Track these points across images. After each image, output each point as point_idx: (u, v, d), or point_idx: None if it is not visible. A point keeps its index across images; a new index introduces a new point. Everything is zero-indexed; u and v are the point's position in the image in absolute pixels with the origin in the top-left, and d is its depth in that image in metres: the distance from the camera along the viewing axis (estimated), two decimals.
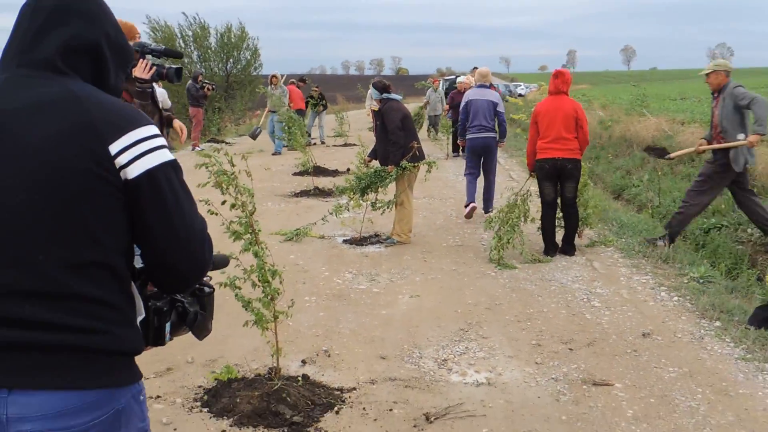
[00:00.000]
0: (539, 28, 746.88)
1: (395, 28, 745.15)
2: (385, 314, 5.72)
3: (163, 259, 1.74)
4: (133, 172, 1.64)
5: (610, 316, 5.65)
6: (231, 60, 29.03)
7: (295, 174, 13.70)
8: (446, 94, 21.45)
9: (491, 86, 9.93)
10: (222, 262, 2.09)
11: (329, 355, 4.87)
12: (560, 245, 7.58)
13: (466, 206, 9.39)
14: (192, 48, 28.74)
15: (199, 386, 4.37)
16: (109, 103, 1.70)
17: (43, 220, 1.59)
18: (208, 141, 21.88)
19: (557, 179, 7.40)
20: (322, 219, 8.18)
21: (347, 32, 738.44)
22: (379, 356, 4.86)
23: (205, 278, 1.95)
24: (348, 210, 8.11)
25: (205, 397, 4.19)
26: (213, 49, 28.70)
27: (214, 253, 1.90)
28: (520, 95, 58.61)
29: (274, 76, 18.08)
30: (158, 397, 4.23)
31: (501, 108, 9.54)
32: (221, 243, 3.80)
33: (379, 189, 8.01)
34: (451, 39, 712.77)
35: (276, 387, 4.11)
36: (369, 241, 8.13)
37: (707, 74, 7.51)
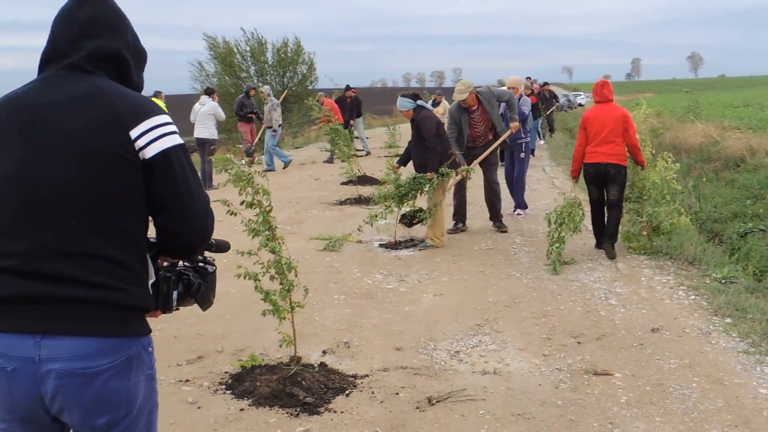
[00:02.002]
0: (603, 37, 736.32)
1: (456, 39, 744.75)
2: (407, 311, 6.03)
3: (173, 225, 2.07)
4: (149, 152, 1.99)
5: (624, 313, 5.85)
6: (287, 74, 29.79)
7: (342, 183, 14.12)
8: None
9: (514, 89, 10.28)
10: (224, 246, 2.44)
11: (349, 347, 5.22)
12: (601, 242, 7.92)
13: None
14: (249, 63, 29.63)
15: (226, 372, 4.76)
16: (129, 95, 2.07)
17: (75, 192, 1.93)
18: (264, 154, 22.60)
19: (602, 183, 7.77)
20: (358, 229, 8.49)
21: (408, 44, 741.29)
22: (395, 348, 5.18)
23: (209, 258, 2.33)
24: (384, 218, 8.41)
25: (230, 381, 4.58)
26: (270, 63, 29.49)
27: (219, 239, 2.33)
28: (580, 105, 58.09)
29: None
30: (187, 380, 4.64)
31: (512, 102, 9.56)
32: (242, 240, 4.16)
33: (418, 196, 8.33)
34: (512, 49, 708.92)
35: (293, 372, 4.47)
36: (404, 245, 8.45)
37: None
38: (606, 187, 7.77)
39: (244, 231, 4.46)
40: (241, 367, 4.75)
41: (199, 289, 2.25)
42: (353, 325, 5.70)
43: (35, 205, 1.94)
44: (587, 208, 8.12)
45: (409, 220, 8.45)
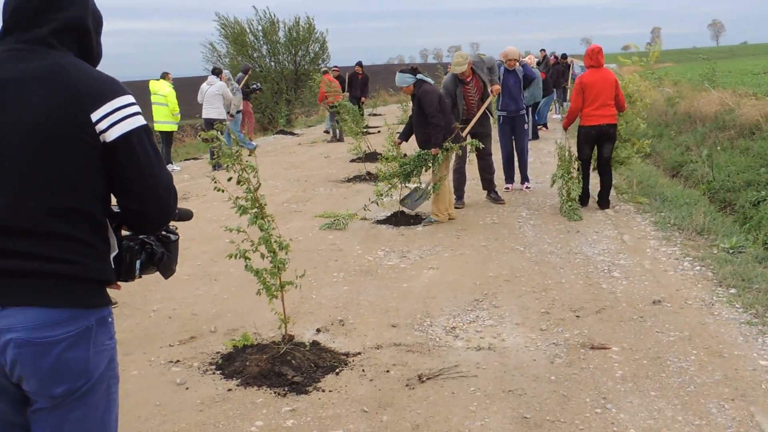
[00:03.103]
0: (622, 6, 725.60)
1: (473, 13, 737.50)
2: (406, 287, 5.95)
3: (137, 204, 2.09)
4: (111, 135, 1.99)
5: (626, 285, 5.73)
6: (299, 53, 29.60)
7: (352, 161, 14.02)
8: None
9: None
10: (186, 215, 2.49)
11: (343, 324, 5.15)
12: (597, 200, 8.66)
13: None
14: (261, 42, 29.45)
15: (217, 352, 4.72)
16: (92, 75, 2.04)
17: (34, 173, 1.94)
18: (277, 132, 22.51)
19: (597, 142, 8.47)
20: (364, 208, 8.37)
21: (425, 20, 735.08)
22: (390, 325, 5.11)
23: (171, 228, 2.35)
24: (390, 195, 8.30)
25: (220, 361, 4.53)
26: (282, 42, 29.31)
27: (182, 207, 2.38)
28: None
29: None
30: (177, 361, 4.60)
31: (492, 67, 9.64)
32: (231, 220, 4.12)
33: (423, 172, 8.21)
34: (530, 22, 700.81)
35: (283, 351, 4.41)
36: (408, 222, 8.35)
37: None
38: (601, 145, 8.46)
39: (232, 208, 4.39)
40: (233, 346, 4.70)
41: (162, 258, 2.28)
42: (350, 302, 5.63)
43: None
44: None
45: (411, 201, 8.34)
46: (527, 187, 10.15)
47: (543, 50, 22.26)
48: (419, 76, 8.26)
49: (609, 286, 5.71)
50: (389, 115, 25.84)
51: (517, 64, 10.14)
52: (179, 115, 14.40)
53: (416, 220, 8.40)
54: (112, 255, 2.13)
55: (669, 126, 16.81)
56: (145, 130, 2.08)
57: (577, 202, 8.35)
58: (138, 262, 2.21)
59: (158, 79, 14.31)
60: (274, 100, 27.52)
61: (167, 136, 14.43)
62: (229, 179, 4.34)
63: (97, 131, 1.98)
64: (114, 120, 1.99)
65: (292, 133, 22.31)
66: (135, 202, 2.09)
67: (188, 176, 13.53)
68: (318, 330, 5.06)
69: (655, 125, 17.82)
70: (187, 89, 20.69)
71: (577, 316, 5.10)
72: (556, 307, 5.32)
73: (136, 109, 2.06)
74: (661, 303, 5.27)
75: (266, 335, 4.96)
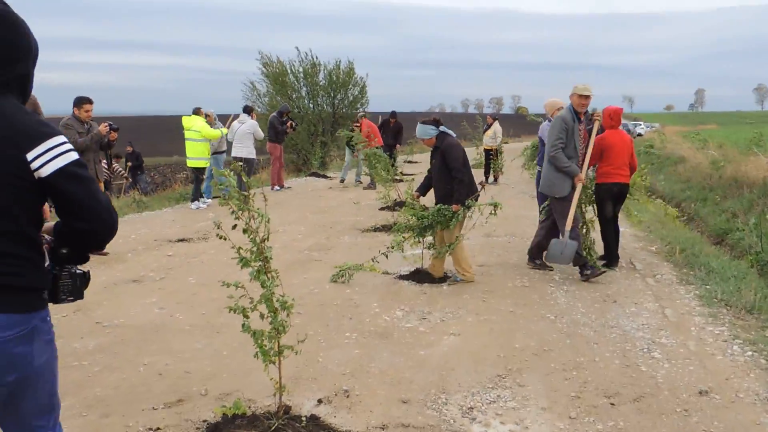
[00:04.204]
0: (665, 67, 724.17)
1: (516, 66, 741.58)
2: (422, 355, 5.42)
3: (84, 223, 2.43)
4: (46, 171, 2.34)
5: (668, 369, 5.13)
6: (338, 96, 29.48)
7: (381, 209, 13.59)
8: None
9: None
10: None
11: (348, 396, 4.62)
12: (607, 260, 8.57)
13: None
14: (302, 84, 29.41)
15: (204, 420, 4.22)
16: (28, 120, 2.37)
17: None
18: (309, 175, 22.24)
19: (618, 200, 8.55)
20: (372, 260, 7.86)
21: (467, 71, 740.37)
22: (400, 400, 4.57)
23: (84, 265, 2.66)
24: (412, 248, 7.81)
25: None
26: (321, 85, 29.23)
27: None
28: (639, 135, 56.79)
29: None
30: (157, 429, 4.10)
31: (541, 135, 9.61)
32: (231, 270, 3.70)
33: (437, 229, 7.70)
34: (572, 77, 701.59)
35: (274, 427, 3.91)
36: (433, 279, 7.83)
37: None
38: (616, 203, 8.58)
39: (233, 258, 3.94)
40: (222, 415, 4.20)
41: (77, 281, 2.62)
42: (359, 369, 5.11)
43: None
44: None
45: (557, 254, 7.77)
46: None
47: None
48: (441, 128, 7.82)
49: (649, 369, 5.11)
50: (425, 163, 25.54)
51: None
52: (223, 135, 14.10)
53: (442, 279, 7.88)
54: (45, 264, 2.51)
55: (713, 190, 16.13)
56: (78, 164, 2.42)
57: (593, 254, 8.48)
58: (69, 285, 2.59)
59: (190, 115, 14.03)
60: (309, 142, 27.31)
61: (200, 172, 14.09)
62: (234, 227, 3.89)
63: (32, 168, 2.32)
64: (47, 158, 2.34)
65: (325, 176, 22.01)
66: (81, 221, 2.42)
67: (213, 215, 13.15)
68: (319, 401, 4.53)
69: (699, 188, 17.17)
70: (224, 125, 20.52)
71: (612, 404, 4.51)
72: (588, 390, 4.74)
73: (67, 147, 2.40)
74: (709, 394, 4.66)
75: (261, 403, 4.46)
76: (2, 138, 2.29)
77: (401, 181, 15.44)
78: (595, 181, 8.66)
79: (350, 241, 10.39)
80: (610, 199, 8.48)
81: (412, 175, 20.19)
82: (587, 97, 7.97)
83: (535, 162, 17.22)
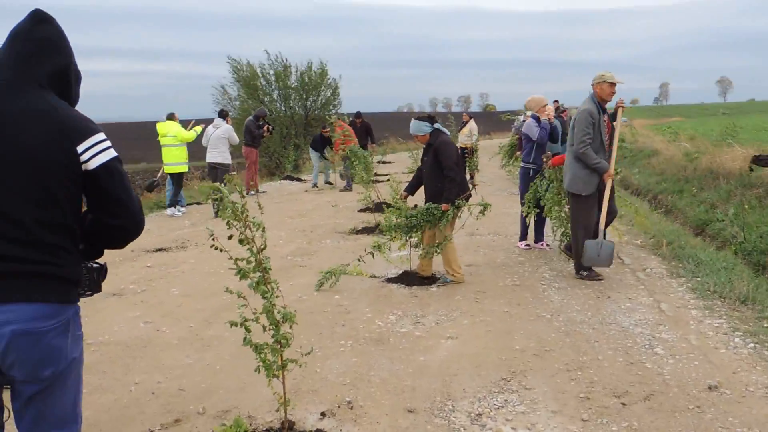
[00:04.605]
0: (630, 61, 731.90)
1: (483, 64, 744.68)
2: (422, 360, 5.27)
3: (116, 219, 2.54)
4: (93, 164, 2.46)
5: (673, 365, 5.04)
6: (311, 98, 29.23)
7: (360, 210, 13.43)
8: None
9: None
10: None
11: (352, 407, 4.46)
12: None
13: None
14: (273, 87, 29.10)
15: None
16: (75, 115, 2.51)
17: (29, 193, 2.37)
18: (284, 178, 21.98)
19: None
20: (358, 259, 7.72)
21: (435, 69, 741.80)
22: (406, 409, 4.41)
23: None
24: (399, 250, 7.67)
25: None
26: (293, 87, 28.96)
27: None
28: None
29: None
30: None
31: (527, 131, 9.52)
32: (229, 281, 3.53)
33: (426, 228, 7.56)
34: (539, 74, 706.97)
35: None
36: (422, 281, 7.69)
37: None
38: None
39: (231, 269, 3.75)
40: None
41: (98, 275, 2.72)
42: (359, 378, 4.95)
43: None
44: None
45: (594, 257, 7.43)
46: (547, 245, 9.50)
47: (556, 101, 21.88)
48: (436, 125, 7.68)
49: (654, 366, 5.02)
50: (398, 163, 25.44)
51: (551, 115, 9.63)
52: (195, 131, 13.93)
53: (430, 280, 7.74)
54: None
55: (689, 182, 16.19)
56: (119, 160, 2.55)
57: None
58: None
59: (164, 121, 13.83)
60: (282, 145, 27.03)
61: (178, 177, 13.91)
62: (230, 237, 3.70)
63: (81, 161, 2.44)
64: (95, 152, 2.46)
65: (299, 179, 21.79)
66: (116, 217, 2.54)
67: (189, 222, 12.93)
68: (323, 414, 4.36)
69: (674, 180, 17.23)
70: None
71: (623, 404, 4.40)
72: (596, 390, 4.63)
73: (109, 143, 2.53)
74: (719, 389, 4.57)
75: (262, 419, 4.28)
76: (55, 129, 2.40)
77: (378, 181, 15.31)
78: None
79: (333, 244, 10.21)
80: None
81: (386, 175, 20.09)
82: (615, 85, 7.48)
83: (512, 161, 17.21)
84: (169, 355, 5.51)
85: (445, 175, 7.35)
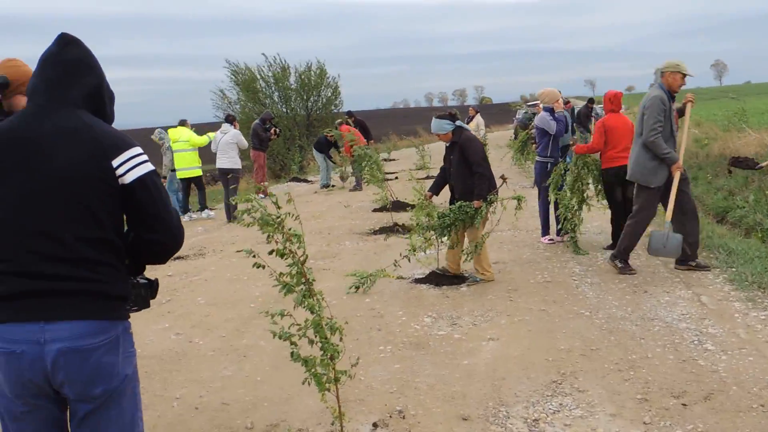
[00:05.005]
0: (625, 48, 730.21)
1: (477, 57, 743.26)
2: (467, 364, 5.14)
3: (154, 234, 2.51)
4: (129, 178, 2.44)
5: (727, 361, 4.90)
6: (311, 99, 29.10)
7: (374, 210, 13.30)
8: (528, 121, 20.80)
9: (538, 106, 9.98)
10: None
11: (404, 417, 4.32)
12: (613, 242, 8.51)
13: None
14: (273, 89, 28.99)
15: None
16: (110, 130, 2.50)
17: (68, 210, 2.36)
18: (290, 180, 21.86)
19: (624, 183, 8.21)
20: (394, 264, 7.57)
21: (430, 64, 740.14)
22: (460, 417, 4.28)
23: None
24: (424, 251, 7.53)
25: None
26: (293, 88, 28.83)
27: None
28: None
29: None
30: None
31: (542, 125, 9.38)
32: (290, 305, 3.41)
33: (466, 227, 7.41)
34: (534, 65, 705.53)
35: None
36: (451, 281, 7.56)
37: None
38: (626, 186, 8.26)
39: (275, 287, 3.61)
40: None
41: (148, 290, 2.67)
42: (406, 385, 4.81)
43: (36, 223, 2.35)
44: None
45: (660, 247, 7.21)
46: (551, 240, 9.37)
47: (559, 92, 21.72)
48: (458, 122, 7.54)
49: (708, 363, 4.88)
50: (403, 160, 25.30)
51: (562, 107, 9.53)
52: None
53: (459, 279, 7.61)
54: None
55: (703, 169, 16.03)
56: (156, 174, 2.53)
57: (574, 235, 8.78)
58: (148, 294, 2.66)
59: (176, 127, 13.98)
60: (286, 147, 26.89)
61: (198, 181, 14.20)
62: (271, 252, 3.55)
63: (117, 175, 2.41)
64: (131, 166, 2.44)
65: (306, 180, 21.68)
66: (153, 232, 2.50)
67: (202, 228, 12.81)
68: (374, 425, 4.23)
69: (687, 167, 17.05)
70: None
71: (683, 405, 4.27)
72: (653, 391, 4.49)
73: (146, 158, 2.51)
74: None
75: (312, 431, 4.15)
76: (89, 145, 2.39)
77: (387, 180, 15.16)
78: (600, 167, 8.71)
79: (352, 246, 10.08)
80: (618, 183, 8.41)
81: (394, 173, 19.96)
82: (685, 77, 7.31)
83: (523, 156, 17.10)
84: (206, 367, 5.38)
85: (474, 171, 7.22)
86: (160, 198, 2.49)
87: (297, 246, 3.66)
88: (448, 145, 7.61)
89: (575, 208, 8.77)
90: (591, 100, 20.24)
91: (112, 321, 2.40)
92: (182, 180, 14.04)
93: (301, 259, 3.68)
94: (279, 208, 3.61)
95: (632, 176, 7.49)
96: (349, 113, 19.28)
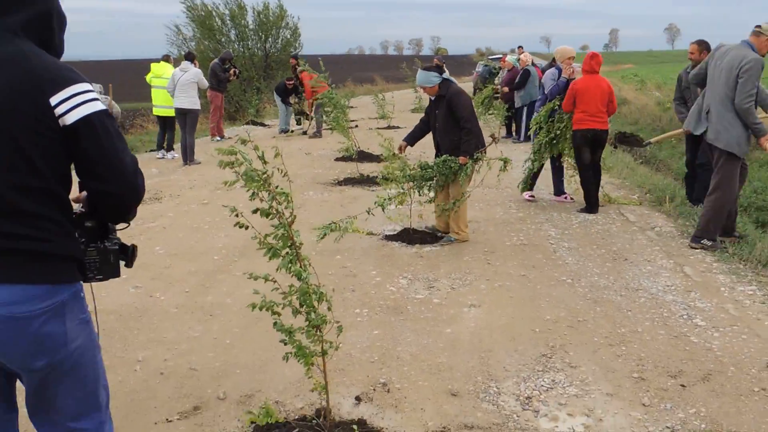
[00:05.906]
0: (581, 7, 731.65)
1: (434, 7, 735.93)
2: (450, 333, 4.87)
3: (105, 185, 2.15)
4: (70, 119, 2.06)
5: (720, 339, 4.72)
6: (270, 39, 28.16)
7: (337, 159, 12.90)
8: (489, 75, 20.44)
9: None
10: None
11: (389, 390, 4.03)
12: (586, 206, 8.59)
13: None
14: (229, 27, 27.94)
15: None
16: (51, 63, 2.11)
17: (0, 154, 2.01)
18: (247, 123, 21.17)
19: (593, 146, 8.44)
20: (367, 212, 7.12)
21: (386, 11, 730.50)
22: (449, 392, 4.01)
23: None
24: (396, 205, 7.12)
25: None
26: (251, 28, 27.84)
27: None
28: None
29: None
30: None
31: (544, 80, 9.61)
32: (256, 260, 3.06)
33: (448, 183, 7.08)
34: (491, 18, 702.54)
35: None
36: (424, 240, 7.26)
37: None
38: (594, 150, 8.47)
39: (258, 249, 3.24)
40: (253, 424, 3.57)
41: (133, 252, 2.44)
42: (387, 355, 4.52)
43: None
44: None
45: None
46: (571, 198, 9.19)
47: (521, 47, 21.41)
48: (445, 75, 7.16)
49: (700, 341, 4.70)
50: (361, 107, 24.77)
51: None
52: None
53: (432, 237, 7.31)
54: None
55: (666, 131, 15.96)
56: (105, 114, 2.15)
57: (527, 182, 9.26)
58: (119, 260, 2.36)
59: (159, 61, 13.39)
60: (242, 89, 26.03)
61: (171, 121, 13.73)
62: (255, 211, 3.18)
63: (56, 114, 2.05)
64: (73, 104, 2.06)
65: (263, 124, 21.05)
66: (104, 182, 2.14)
67: (156, 170, 12.23)
68: (358, 399, 3.93)
69: (650, 130, 17.02)
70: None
71: (682, 386, 4.06)
72: (648, 369, 4.28)
73: (94, 95, 2.14)
74: None
75: (292, 405, 3.85)
76: (24, 80, 2.03)
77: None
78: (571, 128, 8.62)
79: (318, 197, 9.69)
80: (585, 145, 8.42)
81: (354, 121, 19.49)
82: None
83: (488, 112, 16.85)
84: (169, 326, 5.00)
85: (462, 126, 6.88)
86: (110, 142, 2.13)
87: (284, 206, 3.30)
88: (433, 98, 7.23)
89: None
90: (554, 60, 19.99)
91: (55, 285, 2.09)
92: (158, 117, 13.67)
93: (288, 220, 3.33)
94: (265, 162, 3.22)
95: (724, 144, 6.59)
96: (295, 57, 18.61)
